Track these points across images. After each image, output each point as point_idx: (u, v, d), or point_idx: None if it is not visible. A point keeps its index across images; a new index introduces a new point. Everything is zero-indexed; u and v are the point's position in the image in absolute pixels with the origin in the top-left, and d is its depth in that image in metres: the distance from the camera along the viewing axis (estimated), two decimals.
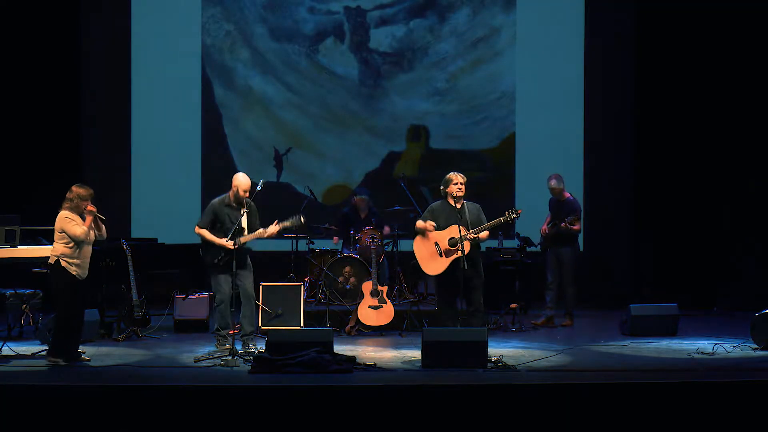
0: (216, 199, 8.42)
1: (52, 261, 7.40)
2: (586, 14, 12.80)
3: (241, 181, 8.27)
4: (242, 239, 8.10)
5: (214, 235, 8.21)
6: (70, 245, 7.34)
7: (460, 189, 7.87)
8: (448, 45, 12.88)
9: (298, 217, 8.36)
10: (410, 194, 10.64)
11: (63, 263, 7.36)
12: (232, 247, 7.98)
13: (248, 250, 8.54)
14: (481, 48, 12.90)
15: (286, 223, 8.28)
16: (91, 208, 7.43)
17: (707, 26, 11.98)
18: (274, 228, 8.23)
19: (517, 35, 12.86)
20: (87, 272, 7.50)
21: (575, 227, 9.71)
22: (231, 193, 8.31)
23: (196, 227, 8.28)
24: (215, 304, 8.31)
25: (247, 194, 8.28)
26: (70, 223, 7.33)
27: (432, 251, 7.78)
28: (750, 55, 11.84)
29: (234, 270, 7.94)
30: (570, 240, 9.84)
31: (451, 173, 8.00)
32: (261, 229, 8.23)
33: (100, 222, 7.51)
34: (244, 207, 8.25)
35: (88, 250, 7.48)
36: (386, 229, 10.64)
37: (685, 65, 12.21)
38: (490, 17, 12.89)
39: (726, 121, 11.95)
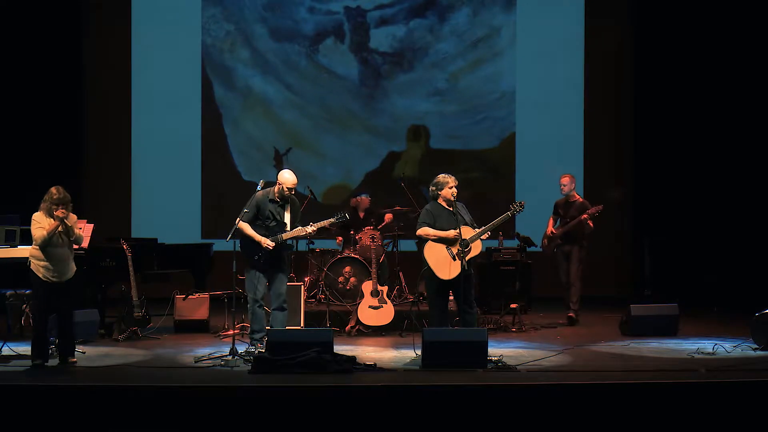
0: (260, 193, 8.12)
1: (29, 261, 7.43)
2: (586, 14, 12.82)
3: (287, 178, 8.04)
4: (284, 236, 7.98)
5: (254, 230, 7.98)
6: (36, 247, 7.33)
7: (455, 193, 7.79)
8: (448, 45, 12.89)
9: (342, 214, 8.21)
10: (410, 194, 10.63)
11: (32, 264, 7.35)
12: (271, 247, 7.90)
13: (289, 248, 8.36)
14: (481, 48, 12.91)
15: (332, 220, 8.14)
16: (59, 213, 7.25)
17: (707, 26, 11.98)
18: (314, 227, 8.05)
19: (517, 35, 12.87)
20: (63, 276, 7.36)
21: (591, 224, 9.71)
22: (276, 189, 8.07)
23: (239, 221, 7.92)
24: (249, 305, 8.06)
25: (293, 192, 8.08)
26: (34, 224, 7.30)
27: (444, 255, 7.66)
28: (751, 54, 11.84)
29: (270, 269, 7.89)
30: (578, 239, 9.84)
31: (444, 175, 7.83)
32: (300, 227, 8.05)
33: (69, 227, 7.32)
34: (288, 203, 8.11)
35: (58, 252, 7.33)
36: (388, 216, 10.64)
37: (685, 65, 12.22)
38: (490, 17, 12.90)
39: (726, 120, 11.96)
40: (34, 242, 7.33)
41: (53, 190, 7.34)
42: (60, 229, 7.29)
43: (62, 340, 7.47)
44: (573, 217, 9.82)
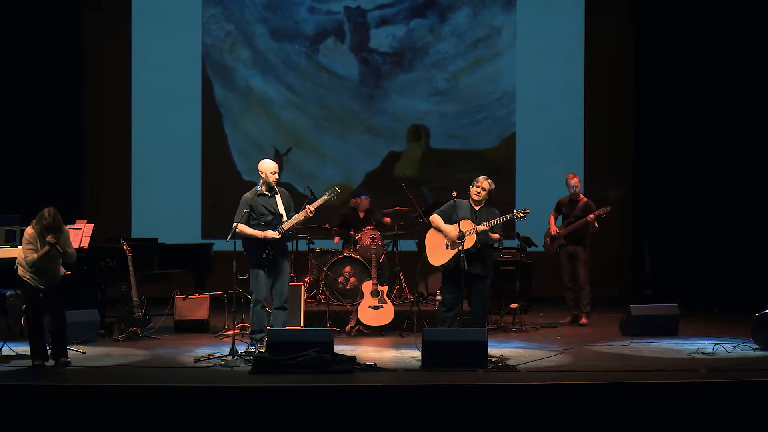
0: (247, 193, 8.06)
1: (15, 266, 7.47)
2: (586, 14, 12.83)
3: (268, 165, 8.01)
4: (284, 226, 7.92)
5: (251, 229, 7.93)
6: (23, 259, 7.38)
7: (478, 193, 7.87)
8: (448, 45, 12.89)
9: (333, 188, 8.09)
10: (410, 194, 10.63)
11: (19, 271, 7.40)
12: (278, 236, 7.86)
13: (292, 237, 8.35)
14: (481, 48, 12.91)
15: (326, 197, 8.04)
16: (50, 239, 7.25)
17: (707, 25, 11.98)
18: (312, 207, 7.98)
19: (517, 35, 12.87)
20: (51, 282, 7.41)
21: (596, 225, 9.72)
22: (261, 181, 8.03)
23: (235, 224, 7.84)
24: (251, 305, 8.03)
25: (277, 176, 8.01)
26: (27, 245, 7.33)
27: (440, 243, 7.82)
28: (751, 54, 11.84)
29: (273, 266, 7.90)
30: (583, 239, 9.84)
31: (481, 176, 7.97)
32: (297, 214, 7.99)
33: (61, 252, 7.36)
34: (277, 192, 8.03)
35: (47, 267, 7.38)
36: (386, 219, 10.66)
37: (685, 65, 12.22)
38: (490, 17, 12.90)
39: (726, 119, 11.96)
40: (24, 257, 7.36)
41: (45, 213, 7.31)
42: (51, 253, 7.33)
43: (54, 341, 7.48)
44: (578, 216, 9.80)
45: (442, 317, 7.87)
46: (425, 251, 7.98)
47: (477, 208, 7.89)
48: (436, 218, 7.93)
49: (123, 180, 12.63)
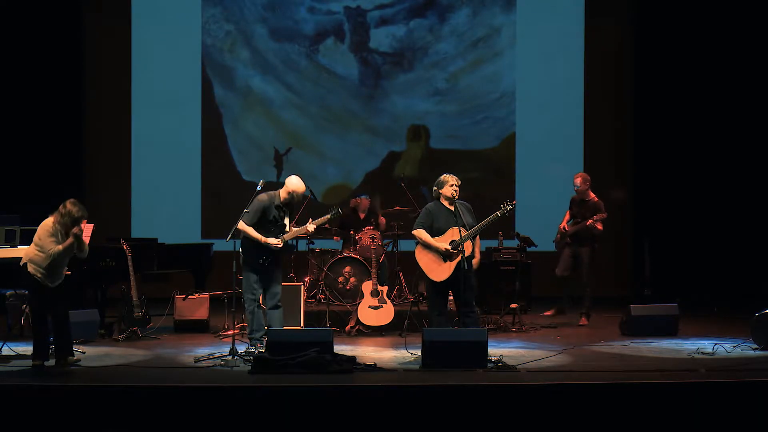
0: (265, 196, 8.05)
1: (22, 262, 7.38)
2: (586, 14, 12.83)
3: (298, 185, 8.11)
4: (285, 236, 8.02)
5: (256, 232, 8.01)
6: (41, 254, 7.30)
7: (456, 191, 7.79)
8: (448, 45, 12.90)
9: (336, 209, 8.20)
10: (410, 194, 10.63)
11: (30, 268, 7.32)
12: (280, 246, 7.95)
13: (292, 248, 8.48)
14: (481, 48, 12.91)
15: (328, 216, 8.14)
16: (75, 230, 7.26)
17: (707, 25, 11.99)
18: (313, 225, 8.11)
19: (517, 35, 12.87)
20: (57, 281, 7.39)
21: (599, 227, 9.72)
22: (283, 195, 8.07)
23: (242, 223, 7.89)
24: (246, 306, 8.06)
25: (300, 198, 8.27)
26: (49, 237, 7.27)
27: (435, 258, 7.68)
28: (751, 54, 11.84)
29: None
30: (589, 240, 9.84)
31: (445, 175, 7.84)
32: (298, 228, 8.10)
33: (81, 243, 7.38)
34: (291, 209, 8.22)
35: (60, 263, 7.38)
36: (382, 220, 10.66)
37: (685, 65, 12.23)
38: (490, 17, 12.90)
39: (726, 120, 11.96)
40: (44, 249, 7.30)
41: (73, 209, 7.27)
42: (74, 245, 7.33)
43: (59, 340, 7.47)
44: (584, 216, 9.81)
45: (437, 321, 7.82)
46: (420, 270, 7.80)
47: (452, 208, 7.78)
48: (423, 234, 7.73)
49: (123, 180, 12.63)
